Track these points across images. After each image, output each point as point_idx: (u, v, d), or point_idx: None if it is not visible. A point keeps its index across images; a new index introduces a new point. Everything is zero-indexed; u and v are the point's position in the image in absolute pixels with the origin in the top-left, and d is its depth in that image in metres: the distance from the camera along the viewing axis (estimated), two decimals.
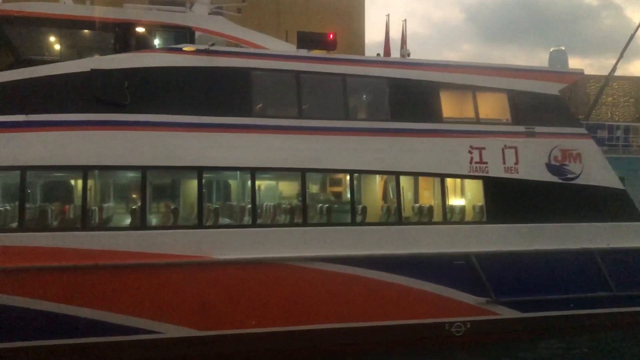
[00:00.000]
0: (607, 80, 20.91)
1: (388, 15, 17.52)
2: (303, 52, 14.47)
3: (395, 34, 18.13)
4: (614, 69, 19.90)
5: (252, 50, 14.03)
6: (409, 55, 15.89)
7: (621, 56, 19.08)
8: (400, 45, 16.68)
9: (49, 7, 13.59)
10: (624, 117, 32.65)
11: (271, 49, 14.48)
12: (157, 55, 13.28)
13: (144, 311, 12.32)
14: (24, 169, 11.93)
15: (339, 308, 13.43)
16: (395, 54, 16.65)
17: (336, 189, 15.15)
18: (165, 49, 13.48)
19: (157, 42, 14.20)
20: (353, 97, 14.62)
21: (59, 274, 11.79)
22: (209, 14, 14.88)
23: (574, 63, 17.58)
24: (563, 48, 17.07)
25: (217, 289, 12.70)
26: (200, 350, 12.65)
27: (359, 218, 13.86)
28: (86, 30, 13.88)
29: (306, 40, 14.50)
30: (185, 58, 13.34)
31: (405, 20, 17.14)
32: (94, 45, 14.03)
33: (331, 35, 14.59)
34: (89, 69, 12.68)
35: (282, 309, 13.08)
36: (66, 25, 13.58)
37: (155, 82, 13.04)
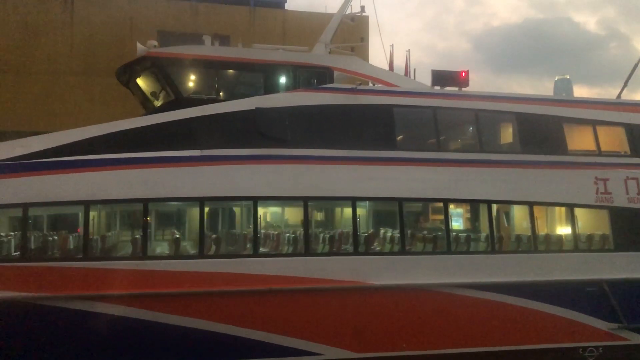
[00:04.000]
0: None
1: (392, 45, 17.72)
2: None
3: (399, 63, 18.28)
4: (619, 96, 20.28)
5: (393, 88, 15.00)
6: None
7: (625, 85, 19.35)
8: (404, 74, 17.08)
9: (205, 50, 14.76)
10: None
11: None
12: (312, 94, 14.31)
13: (306, 333, 13.09)
14: (202, 200, 12.92)
15: (481, 332, 14.06)
16: None
17: (473, 218, 15.85)
18: (319, 89, 14.50)
19: (300, 81, 15.20)
20: (485, 131, 15.47)
21: (235, 298, 12.65)
22: (329, 52, 15.99)
23: (581, 92, 18.25)
24: (568, 77, 17.58)
25: (371, 313, 13.44)
26: None
27: (497, 246, 14.58)
28: (238, 70, 14.92)
29: (440, 78, 15.47)
30: (337, 96, 14.36)
31: (409, 50, 17.51)
32: (245, 84, 15.11)
33: (463, 74, 15.53)
34: (254, 107, 13.73)
35: (428, 332, 13.76)
36: (221, 66, 14.68)
37: (312, 119, 14.04)
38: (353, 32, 25.48)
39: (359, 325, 13.37)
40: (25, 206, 12.07)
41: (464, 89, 15.61)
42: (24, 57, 22.26)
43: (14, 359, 11.84)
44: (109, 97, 22.05)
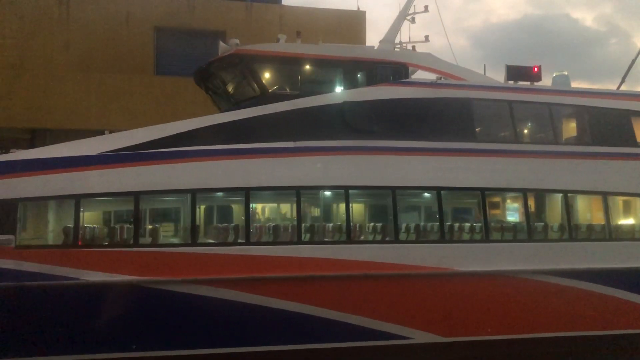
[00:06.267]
0: None
1: None
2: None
3: None
4: None
5: (471, 83, 15.52)
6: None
7: (623, 80, 19.67)
8: None
9: (291, 47, 15.26)
10: None
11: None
12: (396, 88, 14.84)
13: (398, 318, 13.56)
14: (298, 189, 13.45)
15: (560, 318, 14.50)
16: None
17: (550, 207, 16.28)
18: (402, 83, 15.02)
19: (378, 76, 15.67)
20: (558, 123, 15.99)
21: (331, 283, 13.14)
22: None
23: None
24: (566, 73, 17.77)
25: (457, 298, 13.91)
26: (446, 356, 13.81)
27: (573, 234, 15.04)
28: (320, 67, 15.43)
29: (514, 72, 16.01)
30: (418, 90, 14.90)
31: (406, 45, 17.43)
32: (326, 80, 15.61)
33: (536, 69, 16.05)
34: (342, 101, 14.27)
35: (511, 318, 14.20)
36: (304, 63, 15.15)
37: (396, 112, 14.57)
38: (349, 28, 25.66)
39: (447, 310, 13.83)
40: (137, 195, 12.62)
41: (536, 83, 16.11)
42: (20, 53, 22.28)
43: (123, 339, 12.36)
44: (105, 93, 22.27)
